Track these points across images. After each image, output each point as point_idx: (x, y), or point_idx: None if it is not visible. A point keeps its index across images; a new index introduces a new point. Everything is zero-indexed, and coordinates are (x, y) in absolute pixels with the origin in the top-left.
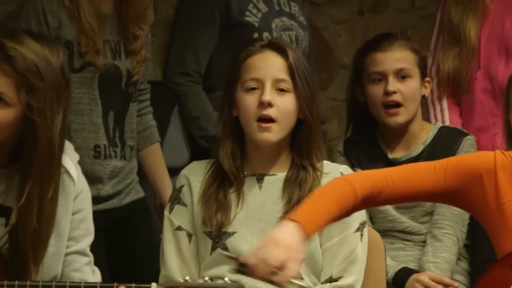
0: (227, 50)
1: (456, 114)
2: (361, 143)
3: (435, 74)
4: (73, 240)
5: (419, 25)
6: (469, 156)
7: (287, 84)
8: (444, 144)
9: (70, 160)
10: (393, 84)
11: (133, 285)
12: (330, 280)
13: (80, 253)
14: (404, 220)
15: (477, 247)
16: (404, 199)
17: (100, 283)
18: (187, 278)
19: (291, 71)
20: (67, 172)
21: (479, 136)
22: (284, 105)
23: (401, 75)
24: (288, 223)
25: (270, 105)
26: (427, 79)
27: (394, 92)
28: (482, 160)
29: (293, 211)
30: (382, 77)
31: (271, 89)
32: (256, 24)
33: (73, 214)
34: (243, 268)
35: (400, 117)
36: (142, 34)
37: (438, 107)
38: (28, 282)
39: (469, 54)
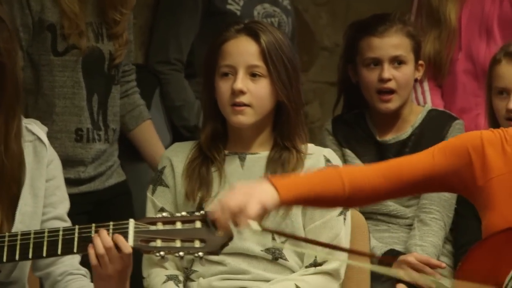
0: (208, 37)
1: (438, 96)
2: (349, 123)
3: None
4: (50, 206)
5: (400, 6)
6: (455, 137)
7: (261, 69)
8: (433, 127)
9: (40, 129)
10: (388, 71)
11: (111, 223)
12: (315, 264)
13: (59, 218)
14: (390, 204)
15: (460, 229)
16: (398, 193)
17: (78, 226)
18: (164, 214)
19: (264, 56)
20: (39, 138)
21: (461, 117)
22: (257, 91)
23: (397, 62)
24: (262, 181)
25: (242, 92)
26: (420, 62)
27: (389, 79)
28: (468, 138)
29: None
30: (377, 63)
31: (244, 75)
32: (238, 12)
33: (48, 180)
34: (210, 221)
35: (393, 104)
36: (122, 18)
37: (419, 90)
38: (7, 233)
39: (450, 36)
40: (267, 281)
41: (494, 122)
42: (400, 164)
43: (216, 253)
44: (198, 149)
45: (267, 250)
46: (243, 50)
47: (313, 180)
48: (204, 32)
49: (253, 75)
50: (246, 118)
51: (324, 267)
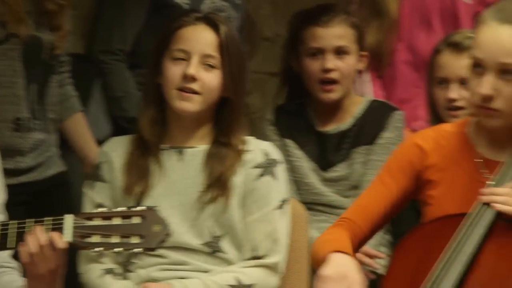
0: (155, 29)
1: (378, 86)
2: (291, 113)
3: None
4: None
5: None
6: (399, 156)
7: (215, 61)
8: (374, 118)
9: None
10: (331, 61)
11: (46, 218)
12: (255, 257)
13: None
14: (329, 194)
15: (399, 219)
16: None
17: (13, 221)
18: (102, 209)
19: (221, 48)
20: None
21: (401, 108)
22: (208, 81)
23: (340, 52)
24: (338, 255)
25: (194, 79)
26: (363, 53)
27: (332, 70)
28: (407, 151)
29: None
30: (321, 53)
31: (198, 63)
32: (186, 6)
33: None
34: None
35: (335, 94)
36: (61, 9)
37: (360, 80)
38: None
39: (391, 27)
40: (207, 272)
41: (434, 112)
42: (363, 207)
43: (154, 249)
44: (137, 142)
45: (206, 243)
46: (201, 38)
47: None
48: (151, 25)
49: (206, 65)
50: (192, 105)
51: (264, 261)
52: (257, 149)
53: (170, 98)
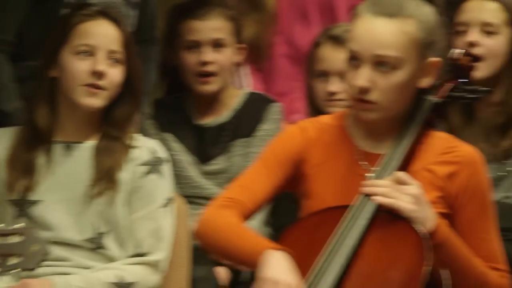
0: (40, 22)
1: (257, 79)
2: (170, 107)
3: None
4: None
5: None
6: (280, 143)
7: (120, 56)
8: (252, 110)
9: None
10: (208, 54)
11: None
12: (138, 255)
13: None
14: (209, 187)
15: (280, 212)
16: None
17: None
18: None
19: (125, 43)
20: None
21: (280, 100)
22: (115, 76)
23: (217, 44)
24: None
25: (102, 75)
26: (241, 45)
27: (210, 62)
28: (287, 140)
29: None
30: (197, 46)
31: (104, 59)
32: (73, 1)
33: None
34: None
35: (212, 86)
36: None
37: (239, 73)
38: None
39: (269, 20)
40: (89, 268)
41: (313, 105)
42: (248, 188)
43: (33, 269)
44: (23, 135)
45: (89, 239)
46: (106, 33)
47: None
48: (36, 16)
49: (112, 60)
50: (98, 101)
51: (147, 258)
52: (144, 146)
53: (74, 94)
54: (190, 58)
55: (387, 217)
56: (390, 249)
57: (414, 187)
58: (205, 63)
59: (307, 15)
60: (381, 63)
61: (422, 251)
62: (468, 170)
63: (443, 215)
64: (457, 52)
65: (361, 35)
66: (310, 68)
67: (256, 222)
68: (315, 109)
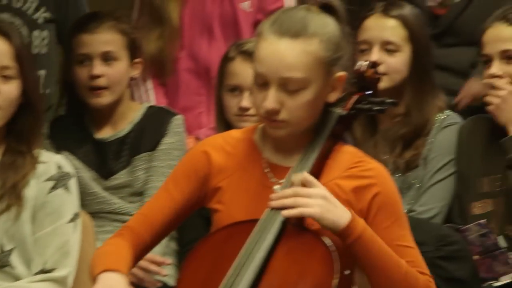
0: None
1: (161, 94)
2: (68, 124)
3: None
4: None
5: (121, 5)
6: (185, 163)
7: (13, 71)
8: (153, 124)
9: None
10: (98, 67)
11: None
12: (43, 271)
13: None
14: (114, 201)
15: (186, 227)
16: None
17: None
18: None
19: (18, 56)
20: None
21: (185, 115)
22: (8, 93)
23: (107, 58)
24: (107, 275)
25: None
26: (137, 60)
27: (100, 76)
28: (193, 157)
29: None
30: (88, 59)
31: None
32: None
33: None
34: None
35: (104, 99)
36: None
37: (142, 88)
38: None
39: (172, 35)
40: None
41: (222, 119)
42: (145, 215)
43: None
44: None
45: None
46: None
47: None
48: None
49: (4, 77)
50: None
51: (53, 274)
52: (51, 161)
53: None
54: (81, 72)
55: (296, 230)
56: (299, 263)
57: (319, 189)
58: (94, 77)
59: (210, 29)
60: (288, 84)
61: (330, 264)
62: (376, 184)
63: None
64: (362, 64)
65: (266, 57)
66: (221, 82)
67: None
68: (225, 123)
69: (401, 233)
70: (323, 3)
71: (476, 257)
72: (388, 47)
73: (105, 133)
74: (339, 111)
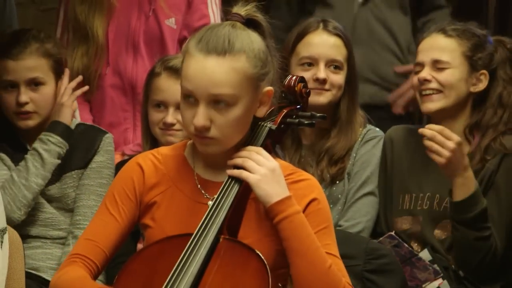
0: None
1: (86, 110)
2: (4, 132)
3: None
4: None
5: (40, 20)
6: (121, 181)
7: None
8: (83, 141)
9: None
10: (24, 95)
11: None
12: None
13: None
14: (50, 211)
15: None
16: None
17: None
18: None
19: None
20: None
21: (110, 131)
22: None
23: (33, 83)
24: None
25: None
26: (64, 72)
27: (26, 103)
28: (132, 180)
29: None
30: (14, 86)
31: None
32: None
33: None
34: None
35: (33, 121)
36: None
37: None
38: None
39: (98, 52)
40: None
41: (148, 133)
42: (94, 242)
43: None
44: None
45: None
46: None
47: None
48: None
49: None
50: None
51: None
52: None
53: None
54: (8, 98)
55: (229, 243)
56: (233, 276)
57: (271, 162)
58: (21, 104)
59: (136, 46)
60: (217, 101)
61: (264, 277)
62: (310, 192)
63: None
64: (292, 79)
65: (194, 75)
66: (147, 97)
67: None
68: (151, 138)
69: (328, 241)
70: (248, 19)
71: None
72: (333, 64)
73: None
74: (269, 125)
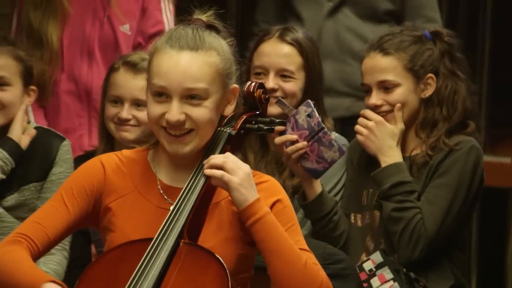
0: None
1: (41, 116)
2: None
3: None
4: None
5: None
6: (81, 176)
7: None
8: (41, 149)
9: None
10: None
11: None
12: None
13: None
14: (7, 219)
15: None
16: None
17: None
18: None
19: None
20: None
21: (67, 137)
22: None
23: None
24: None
25: None
26: (31, 87)
27: None
28: (90, 171)
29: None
30: None
31: None
32: None
33: None
34: None
35: None
36: None
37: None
38: None
39: (52, 58)
40: None
41: (104, 129)
42: (41, 226)
43: None
44: None
45: None
46: None
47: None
48: None
49: None
50: None
51: None
52: None
53: None
54: None
55: (189, 248)
56: (193, 280)
57: (246, 166)
58: None
59: (90, 52)
60: (190, 96)
61: (224, 280)
62: (274, 193)
63: (246, 244)
64: (251, 85)
65: (168, 70)
66: (104, 92)
67: (59, 267)
68: (107, 134)
69: (297, 238)
70: (208, 24)
71: (305, 145)
72: (284, 73)
73: None
74: (229, 130)
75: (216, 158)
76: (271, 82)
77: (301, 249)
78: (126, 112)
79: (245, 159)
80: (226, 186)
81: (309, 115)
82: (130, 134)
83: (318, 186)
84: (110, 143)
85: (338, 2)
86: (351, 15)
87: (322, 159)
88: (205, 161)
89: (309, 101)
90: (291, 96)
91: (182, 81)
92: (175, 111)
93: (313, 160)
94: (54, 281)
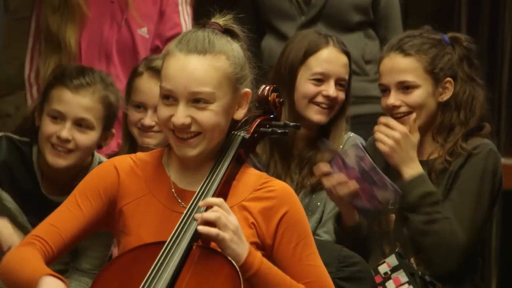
0: None
1: None
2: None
3: (34, 80)
4: None
5: (14, 28)
6: (95, 179)
7: None
8: None
9: None
10: (68, 130)
11: None
12: None
13: None
14: None
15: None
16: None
17: None
18: None
19: None
20: None
21: None
22: None
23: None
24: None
25: None
26: (111, 131)
27: (67, 140)
28: (103, 174)
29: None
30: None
31: None
32: None
33: None
34: None
35: (64, 161)
36: None
37: None
38: None
39: (70, 61)
40: None
41: (128, 133)
42: (56, 229)
43: None
44: None
45: None
46: None
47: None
48: None
49: None
50: None
51: None
52: None
53: None
54: (51, 128)
55: (202, 251)
56: (206, 283)
57: (235, 219)
58: (62, 139)
59: (108, 55)
60: (196, 100)
61: (237, 283)
62: (283, 204)
63: (258, 249)
64: (266, 89)
65: (175, 73)
66: (128, 97)
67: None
68: (131, 138)
69: (307, 252)
70: (226, 28)
71: (356, 185)
72: (341, 82)
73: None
74: (243, 134)
75: (209, 214)
76: (332, 90)
77: (311, 265)
78: (149, 119)
79: (257, 163)
80: (219, 243)
81: (360, 158)
82: (153, 140)
83: (356, 214)
84: (134, 146)
85: (311, 17)
86: (323, 29)
87: (374, 198)
88: (200, 203)
89: (358, 142)
90: (340, 106)
91: (188, 84)
92: (180, 114)
93: (364, 199)
94: (53, 275)
